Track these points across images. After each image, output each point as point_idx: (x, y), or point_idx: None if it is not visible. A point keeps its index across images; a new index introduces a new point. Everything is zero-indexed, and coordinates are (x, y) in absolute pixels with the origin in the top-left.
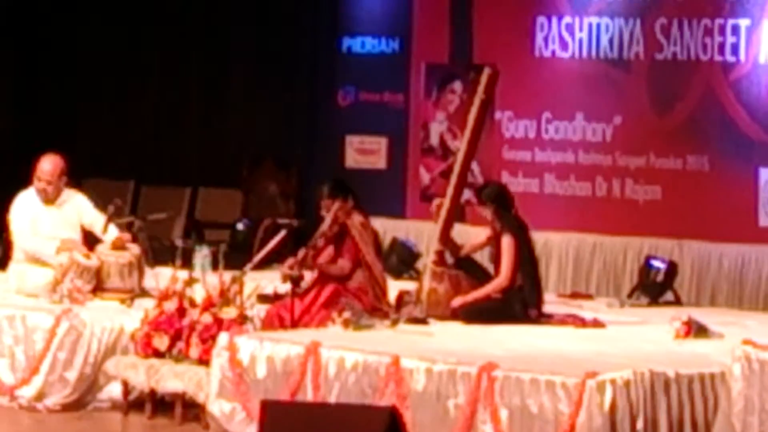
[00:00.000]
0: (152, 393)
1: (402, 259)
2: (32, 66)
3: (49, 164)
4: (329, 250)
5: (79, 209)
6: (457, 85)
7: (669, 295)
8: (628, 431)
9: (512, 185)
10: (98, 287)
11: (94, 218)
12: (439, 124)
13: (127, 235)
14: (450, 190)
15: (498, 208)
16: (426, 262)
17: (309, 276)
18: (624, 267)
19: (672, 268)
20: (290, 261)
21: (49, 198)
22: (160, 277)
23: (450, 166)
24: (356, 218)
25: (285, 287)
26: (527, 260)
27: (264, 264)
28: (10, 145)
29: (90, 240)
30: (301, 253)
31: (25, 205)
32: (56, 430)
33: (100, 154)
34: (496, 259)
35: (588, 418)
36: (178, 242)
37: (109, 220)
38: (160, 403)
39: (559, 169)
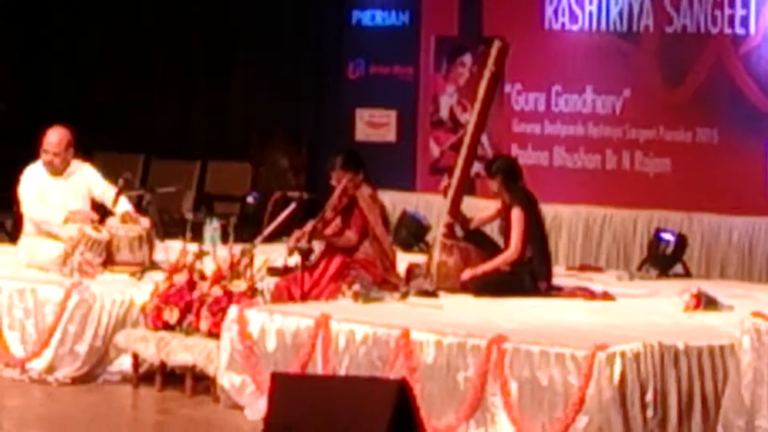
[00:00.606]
0: (162, 366)
1: (412, 232)
2: (37, 42)
3: (55, 136)
4: (337, 222)
5: (88, 181)
6: (467, 58)
7: (678, 268)
8: (638, 403)
9: (522, 158)
10: (108, 260)
11: (105, 190)
12: (448, 97)
13: (136, 214)
14: (460, 163)
15: (505, 180)
16: (436, 235)
17: (318, 248)
18: (633, 240)
19: (681, 241)
20: (297, 233)
21: (57, 170)
22: (170, 250)
23: (460, 139)
24: (365, 190)
25: (294, 260)
26: (537, 233)
27: (274, 237)
28: (18, 121)
29: (100, 212)
30: (308, 225)
31: (33, 177)
32: (66, 403)
33: (110, 127)
34: (505, 231)
35: (597, 390)
36: (188, 215)
37: (120, 193)
38: (170, 376)
39: (568, 141)
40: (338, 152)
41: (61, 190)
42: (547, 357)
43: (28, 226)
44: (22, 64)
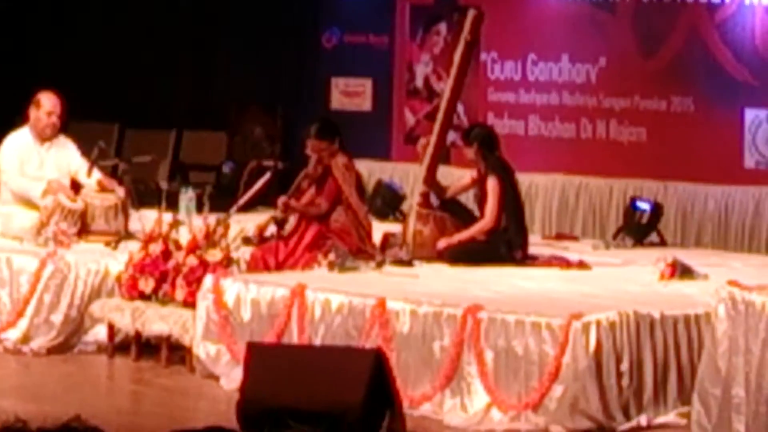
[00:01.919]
0: (137, 335)
1: (387, 201)
2: (12, 12)
3: (53, 99)
4: (312, 191)
5: (68, 154)
6: (442, 27)
7: (654, 237)
8: (614, 372)
9: (497, 127)
10: (83, 230)
11: (80, 165)
12: (424, 66)
13: (110, 179)
14: (435, 132)
15: (481, 148)
16: (411, 204)
17: (293, 218)
18: (609, 208)
19: (657, 210)
20: (282, 199)
21: (54, 133)
22: (145, 219)
23: (435, 108)
24: (340, 159)
25: (269, 230)
26: (512, 202)
27: (249, 206)
28: None
29: (73, 187)
30: (279, 200)
31: (15, 145)
32: (42, 373)
33: (84, 96)
34: (481, 200)
35: (573, 359)
36: (163, 185)
37: (93, 164)
38: (145, 346)
39: (543, 110)
40: (313, 121)
41: (42, 160)
42: (522, 326)
43: (4, 194)
44: None
